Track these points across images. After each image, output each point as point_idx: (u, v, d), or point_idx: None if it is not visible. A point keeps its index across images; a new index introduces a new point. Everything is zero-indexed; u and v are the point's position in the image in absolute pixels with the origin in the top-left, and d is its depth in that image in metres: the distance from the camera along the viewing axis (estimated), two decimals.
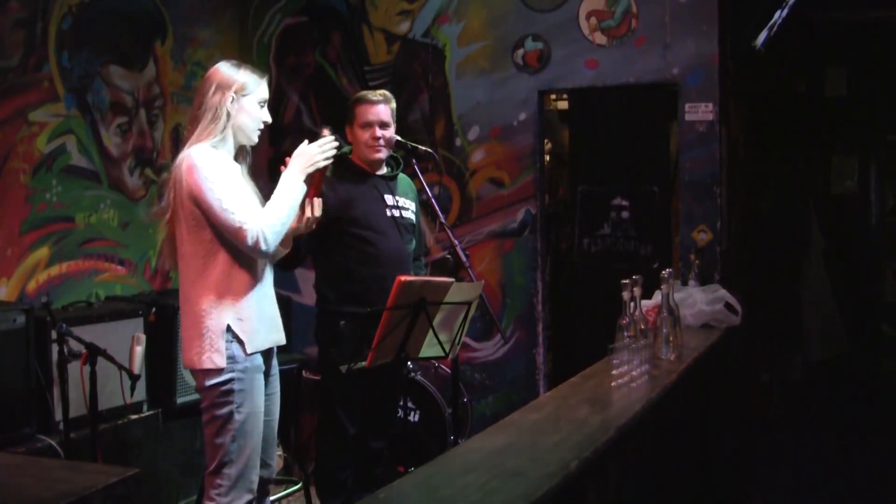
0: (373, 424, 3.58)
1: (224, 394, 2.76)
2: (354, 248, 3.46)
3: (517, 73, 4.92)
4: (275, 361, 3.00)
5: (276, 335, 2.95)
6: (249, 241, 2.71)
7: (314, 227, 2.96)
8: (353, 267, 3.45)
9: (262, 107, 2.90)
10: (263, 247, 2.74)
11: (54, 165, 4.19)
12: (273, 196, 2.83)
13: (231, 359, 2.77)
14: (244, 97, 2.84)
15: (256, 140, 2.92)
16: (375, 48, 5.24)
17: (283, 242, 2.89)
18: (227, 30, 5.32)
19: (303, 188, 2.87)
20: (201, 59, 5.04)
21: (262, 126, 2.91)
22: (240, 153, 2.92)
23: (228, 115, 2.81)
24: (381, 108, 3.51)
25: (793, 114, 6.76)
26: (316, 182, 2.92)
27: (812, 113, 6.87)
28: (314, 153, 2.89)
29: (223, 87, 2.81)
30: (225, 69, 2.86)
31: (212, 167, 2.74)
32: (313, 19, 5.36)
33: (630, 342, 3.01)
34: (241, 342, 2.78)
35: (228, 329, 2.76)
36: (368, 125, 3.49)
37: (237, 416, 2.77)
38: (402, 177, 3.69)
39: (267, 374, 2.92)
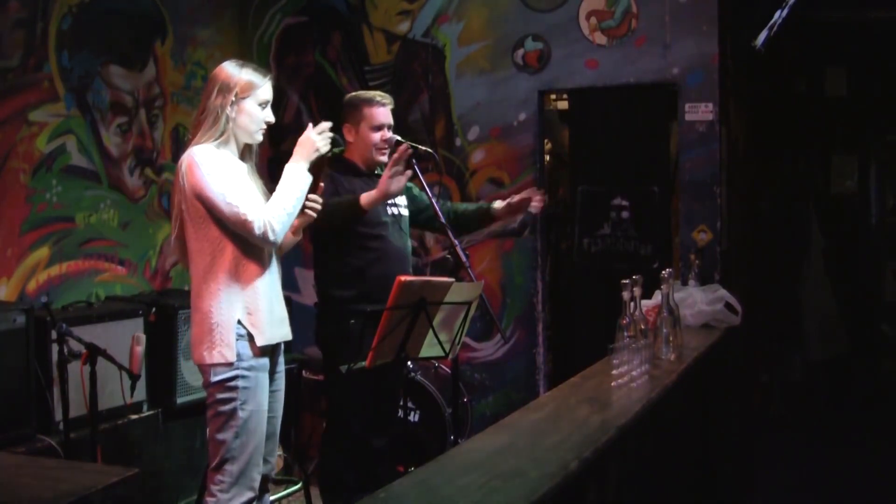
0: (376, 424, 3.57)
1: (228, 390, 2.78)
2: (362, 247, 3.46)
3: (517, 73, 4.92)
4: (281, 359, 3.02)
5: (283, 330, 2.98)
6: (257, 231, 2.75)
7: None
8: (362, 266, 3.46)
9: (263, 108, 2.91)
10: (272, 237, 2.77)
11: (54, 165, 4.19)
12: (279, 186, 2.87)
13: (237, 356, 2.79)
14: (244, 100, 2.86)
15: (260, 139, 2.94)
16: (375, 48, 5.24)
17: (294, 232, 2.96)
18: (227, 30, 5.31)
19: (308, 176, 2.91)
20: (201, 59, 5.04)
21: (263, 126, 2.93)
22: (245, 152, 2.95)
23: (228, 118, 2.83)
24: (389, 110, 3.57)
25: (793, 114, 6.76)
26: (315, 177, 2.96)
27: (812, 113, 6.87)
28: (315, 139, 2.93)
29: (224, 90, 2.84)
30: (228, 70, 2.88)
31: (211, 163, 2.77)
32: (313, 19, 5.37)
33: (630, 342, 3.01)
34: (250, 337, 2.81)
35: (238, 323, 2.79)
36: (380, 127, 3.52)
37: (241, 413, 2.79)
38: None
39: (272, 371, 2.94)
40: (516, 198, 3.72)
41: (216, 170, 2.77)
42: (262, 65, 5.34)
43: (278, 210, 2.81)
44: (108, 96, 4.47)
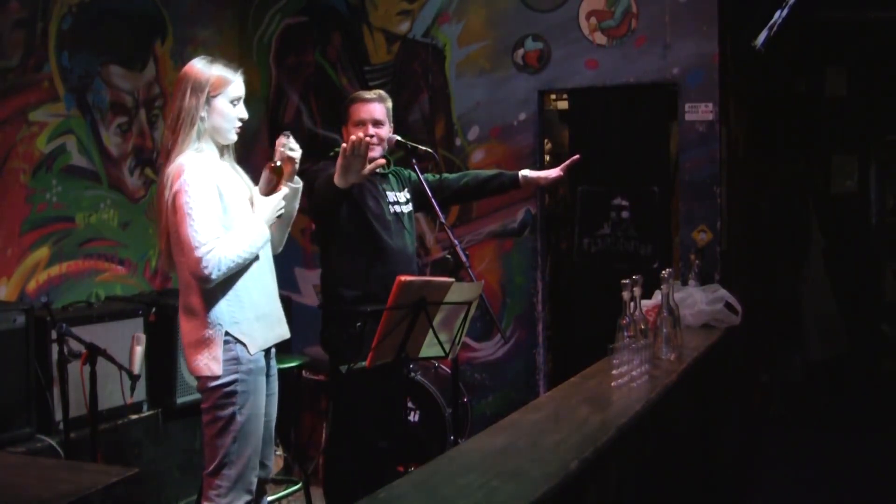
0: (382, 426, 3.56)
1: (227, 395, 2.77)
2: (367, 246, 3.46)
3: (517, 73, 4.92)
4: (273, 362, 3.00)
5: (279, 330, 2.96)
6: (201, 264, 2.67)
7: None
8: (368, 265, 3.45)
9: (235, 105, 2.87)
10: (214, 275, 2.69)
11: (54, 165, 4.20)
12: (244, 233, 2.79)
13: (235, 360, 2.77)
14: (215, 98, 2.82)
15: (235, 138, 2.91)
16: (375, 48, 5.24)
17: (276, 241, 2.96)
18: (227, 30, 5.32)
19: (267, 235, 2.87)
20: None
21: (238, 124, 2.89)
22: (223, 150, 2.93)
23: (202, 119, 2.81)
24: (375, 105, 3.52)
25: (793, 114, 6.77)
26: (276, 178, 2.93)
27: (812, 113, 6.88)
28: (276, 206, 2.90)
29: (197, 89, 2.80)
30: (198, 68, 2.84)
31: (197, 182, 2.72)
32: (313, 19, 5.36)
33: (630, 342, 3.01)
34: (243, 344, 2.79)
35: (227, 333, 2.77)
36: (361, 123, 3.49)
37: (239, 418, 2.78)
38: (392, 171, 3.70)
39: (266, 375, 2.92)
40: (554, 171, 3.85)
41: (199, 188, 2.71)
42: (261, 65, 5.41)
43: (234, 254, 2.72)
44: (108, 96, 4.47)
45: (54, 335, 3.38)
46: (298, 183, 3.01)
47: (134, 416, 3.99)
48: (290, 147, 2.92)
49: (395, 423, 3.69)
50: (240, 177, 2.95)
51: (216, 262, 2.69)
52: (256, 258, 2.86)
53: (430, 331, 2.96)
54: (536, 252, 4.94)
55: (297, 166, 2.98)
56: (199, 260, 2.67)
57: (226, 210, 2.78)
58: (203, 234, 2.68)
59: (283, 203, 2.93)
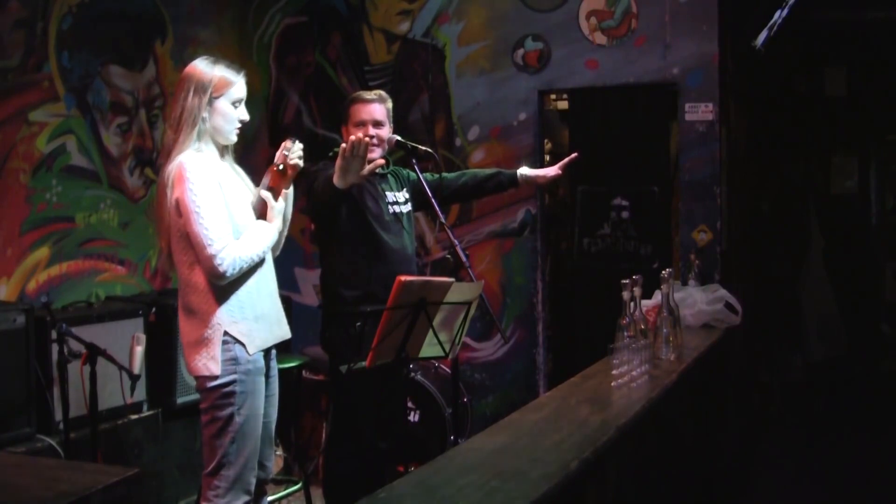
0: (383, 426, 3.56)
1: (225, 395, 2.77)
2: (367, 246, 3.46)
3: (517, 73, 4.92)
4: (273, 363, 3.00)
5: (278, 331, 2.96)
6: (215, 261, 2.69)
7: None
8: (368, 265, 3.45)
9: (237, 106, 2.88)
10: (229, 273, 2.72)
11: (54, 165, 4.19)
12: (257, 233, 2.83)
13: (234, 360, 2.77)
14: (217, 99, 2.83)
15: (235, 139, 2.92)
16: (375, 48, 5.24)
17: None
18: (227, 30, 5.31)
19: (276, 236, 2.91)
20: None
21: (238, 125, 2.90)
22: (223, 151, 2.93)
23: (204, 119, 2.81)
24: (375, 106, 3.52)
25: (793, 114, 6.78)
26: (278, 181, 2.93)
27: (812, 113, 6.88)
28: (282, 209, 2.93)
29: (200, 89, 2.81)
30: (201, 68, 2.84)
31: (201, 179, 2.73)
32: (313, 19, 5.36)
33: (630, 342, 3.02)
34: (242, 344, 2.79)
35: (226, 333, 2.77)
36: (362, 123, 3.50)
37: (237, 419, 2.78)
38: (391, 171, 3.70)
39: (266, 376, 2.92)
40: (552, 169, 3.90)
41: (202, 186, 2.72)
42: (261, 65, 5.41)
43: (248, 255, 2.76)
44: (108, 96, 4.47)
45: (54, 335, 3.38)
46: (289, 189, 3.01)
47: (134, 416, 3.99)
48: (294, 154, 2.91)
49: (395, 423, 3.69)
50: (240, 178, 2.96)
51: (231, 261, 2.71)
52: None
53: (430, 331, 2.96)
54: (536, 252, 4.94)
55: (294, 172, 2.96)
56: (212, 257, 2.69)
57: (228, 209, 2.78)
58: (214, 232, 2.70)
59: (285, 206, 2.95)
